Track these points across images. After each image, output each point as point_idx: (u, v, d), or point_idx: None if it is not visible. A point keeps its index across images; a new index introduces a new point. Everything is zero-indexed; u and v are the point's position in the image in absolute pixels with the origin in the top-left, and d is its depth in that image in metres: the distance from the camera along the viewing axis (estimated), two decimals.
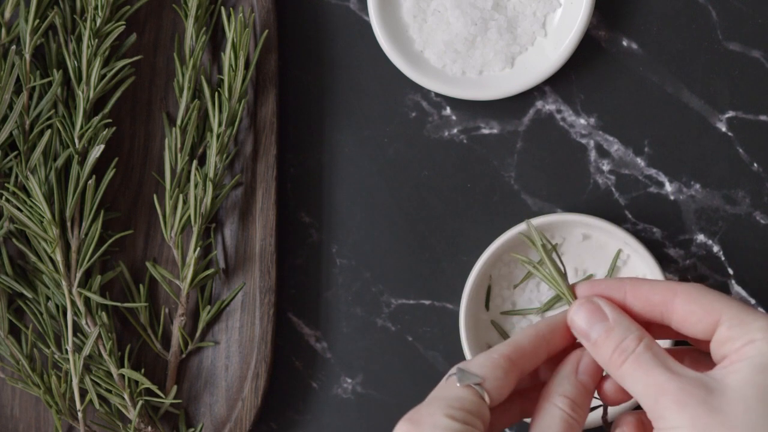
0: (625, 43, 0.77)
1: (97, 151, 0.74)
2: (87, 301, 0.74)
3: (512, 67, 0.77)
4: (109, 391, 0.75)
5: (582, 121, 0.77)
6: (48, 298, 0.75)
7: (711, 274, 0.76)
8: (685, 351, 0.63)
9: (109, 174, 0.74)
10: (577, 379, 0.59)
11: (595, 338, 0.59)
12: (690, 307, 0.58)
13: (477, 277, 0.73)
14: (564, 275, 0.61)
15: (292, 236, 0.78)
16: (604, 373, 0.61)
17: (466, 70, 0.76)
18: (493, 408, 0.59)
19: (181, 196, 0.75)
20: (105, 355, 0.74)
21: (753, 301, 0.76)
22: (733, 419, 0.54)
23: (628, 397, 0.61)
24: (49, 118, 0.74)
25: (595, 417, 0.73)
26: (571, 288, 0.61)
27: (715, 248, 0.76)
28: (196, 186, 0.74)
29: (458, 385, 0.57)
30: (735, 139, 0.77)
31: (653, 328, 0.60)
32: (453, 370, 0.58)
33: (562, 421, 0.58)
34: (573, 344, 0.61)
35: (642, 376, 0.57)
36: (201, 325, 0.76)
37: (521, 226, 0.73)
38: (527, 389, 0.63)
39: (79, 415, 0.75)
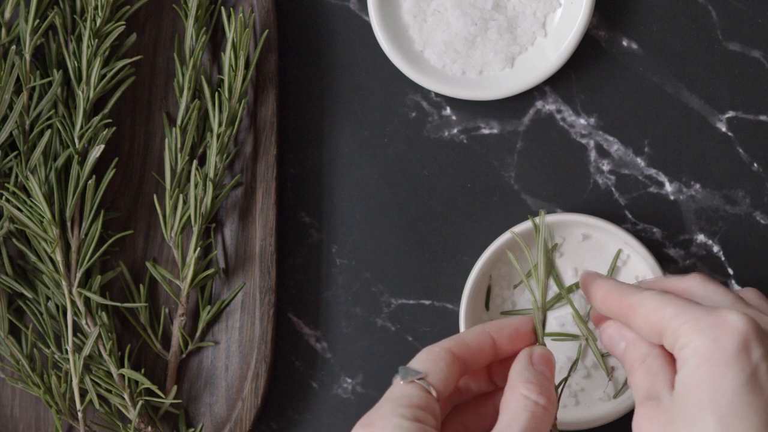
0: (625, 43, 0.77)
1: (97, 151, 0.74)
2: (87, 301, 0.74)
3: (512, 67, 0.77)
4: (109, 391, 0.75)
5: (582, 121, 0.77)
6: (48, 298, 0.75)
7: (711, 274, 0.76)
8: None
9: (109, 174, 0.74)
10: (535, 368, 0.60)
11: (620, 353, 0.62)
12: (639, 322, 0.60)
13: (477, 277, 0.73)
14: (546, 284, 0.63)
15: (292, 236, 0.78)
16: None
17: (466, 70, 0.76)
18: (464, 410, 0.61)
19: (181, 196, 0.75)
20: (105, 355, 0.74)
21: None
22: None
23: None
24: (49, 118, 0.74)
25: (592, 417, 0.73)
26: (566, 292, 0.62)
27: (715, 248, 0.76)
28: (196, 186, 0.74)
29: (401, 383, 0.58)
30: (735, 139, 0.77)
31: None
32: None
33: (526, 408, 0.58)
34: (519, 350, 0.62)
35: (633, 391, 0.60)
36: (201, 325, 0.76)
37: (521, 226, 0.73)
38: (495, 392, 0.64)
39: (79, 415, 0.75)
